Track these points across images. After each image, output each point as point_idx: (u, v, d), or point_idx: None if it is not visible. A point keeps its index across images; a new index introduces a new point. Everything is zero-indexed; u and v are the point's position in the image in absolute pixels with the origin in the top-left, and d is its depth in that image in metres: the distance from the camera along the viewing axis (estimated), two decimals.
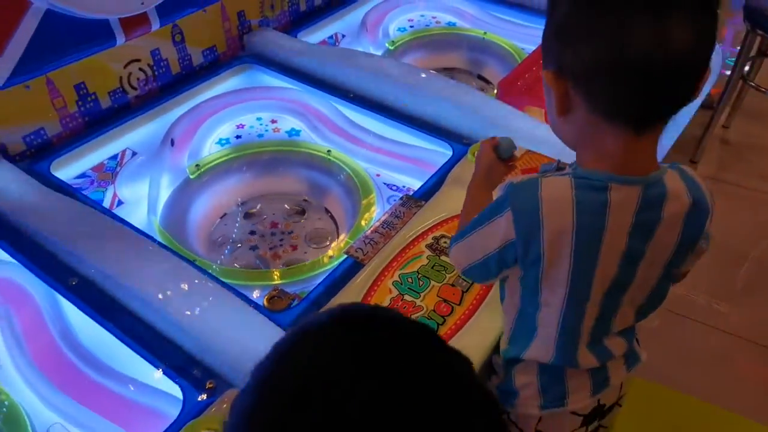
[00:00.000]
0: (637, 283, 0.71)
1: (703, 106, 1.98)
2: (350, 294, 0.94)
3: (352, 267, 1.00)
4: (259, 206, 1.38)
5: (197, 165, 1.35)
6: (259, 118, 1.50)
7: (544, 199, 0.64)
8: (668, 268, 0.71)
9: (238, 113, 1.48)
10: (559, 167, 0.80)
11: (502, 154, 0.87)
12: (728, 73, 2.06)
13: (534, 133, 1.26)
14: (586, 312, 0.71)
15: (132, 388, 0.88)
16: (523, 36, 1.83)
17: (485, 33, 1.87)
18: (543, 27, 0.66)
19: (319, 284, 0.98)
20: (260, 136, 1.46)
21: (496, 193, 0.74)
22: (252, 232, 1.31)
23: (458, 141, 1.30)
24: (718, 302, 1.73)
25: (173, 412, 0.82)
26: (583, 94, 0.62)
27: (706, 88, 1.57)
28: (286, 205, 1.38)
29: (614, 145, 0.64)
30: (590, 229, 0.65)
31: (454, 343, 0.88)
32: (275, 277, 1.11)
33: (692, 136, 2.15)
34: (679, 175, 0.68)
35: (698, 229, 0.69)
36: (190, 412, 0.80)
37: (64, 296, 0.98)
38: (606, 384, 0.78)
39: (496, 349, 0.89)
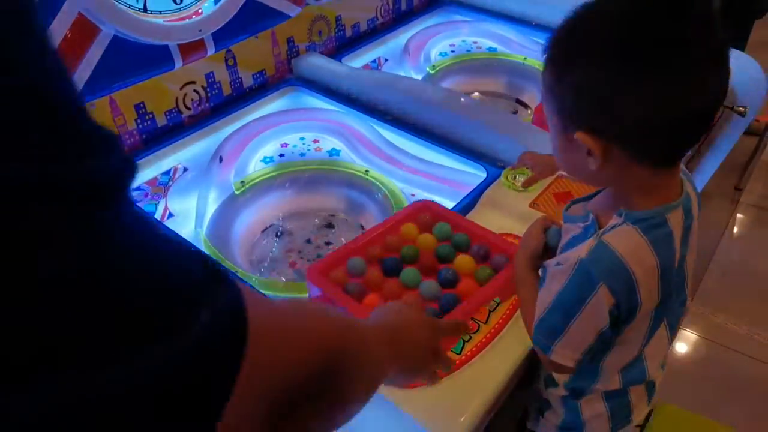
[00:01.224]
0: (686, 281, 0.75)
1: (750, 132, 1.95)
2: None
3: None
4: (295, 223, 1.43)
5: (242, 181, 1.42)
6: (302, 138, 1.57)
7: (624, 256, 0.65)
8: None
9: (283, 133, 1.55)
10: (598, 217, 0.73)
11: (551, 241, 0.83)
12: None
13: None
14: (667, 332, 0.76)
15: None
16: None
17: (525, 58, 1.90)
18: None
19: None
20: (302, 155, 1.53)
21: (558, 275, 0.70)
22: (289, 250, 1.37)
23: (492, 164, 1.33)
24: (759, 333, 1.68)
25: None
26: (631, 149, 0.62)
27: (752, 114, 1.56)
28: (315, 220, 1.43)
29: (660, 181, 0.66)
30: (668, 262, 0.67)
31: (479, 360, 0.91)
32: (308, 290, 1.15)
33: (737, 163, 2.11)
34: (685, 179, 0.72)
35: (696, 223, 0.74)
36: None
37: None
38: (655, 389, 0.83)
39: (529, 375, 0.90)
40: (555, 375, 0.84)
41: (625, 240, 0.65)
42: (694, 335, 1.67)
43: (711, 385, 1.60)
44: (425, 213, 1.12)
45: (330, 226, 1.43)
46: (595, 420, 0.82)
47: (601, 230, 0.68)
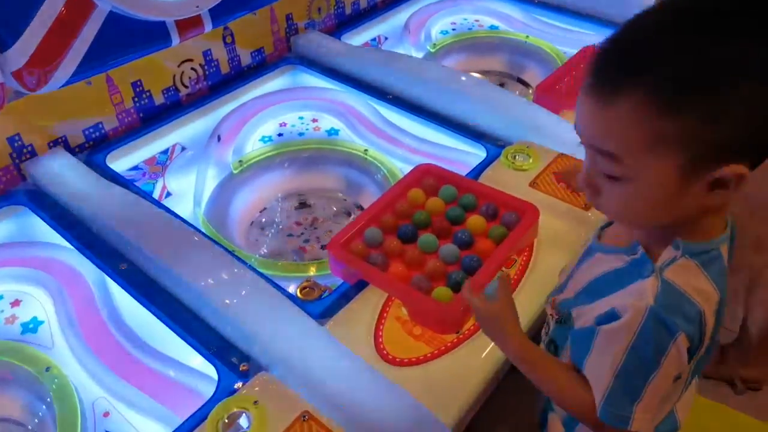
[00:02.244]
0: None
1: None
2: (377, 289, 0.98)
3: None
4: (283, 205, 1.43)
5: (240, 161, 1.41)
6: (301, 117, 1.55)
7: (694, 296, 0.58)
8: None
9: (282, 112, 1.54)
10: (647, 248, 0.63)
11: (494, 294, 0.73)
12: None
13: (568, 136, 1.26)
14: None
15: (172, 368, 0.94)
16: (564, 40, 1.82)
17: (527, 36, 1.87)
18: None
19: None
20: (301, 134, 1.51)
21: (619, 333, 0.59)
22: (297, 223, 1.36)
23: (492, 143, 1.32)
24: None
25: (209, 391, 0.87)
26: (755, 162, 0.55)
27: None
28: (333, 207, 1.43)
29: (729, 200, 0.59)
30: (724, 298, 0.62)
31: (477, 339, 0.90)
32: (309, 270, 1.15)
33: None
34: None
35: None
36: (224, 391, 0.85)
37: (114, 280, 1.05)
38: None
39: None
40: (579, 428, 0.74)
41: (689, 276, 0.58)
42: None
43: None
44: (429, 177, 1.15)
45: (328, 206, 1.43)
46: None
47: (658, 266, 0.59)
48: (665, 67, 0.51)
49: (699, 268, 0.59)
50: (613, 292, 0.62)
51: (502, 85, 1.83)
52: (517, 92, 1.80)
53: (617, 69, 0.54)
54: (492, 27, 1.98)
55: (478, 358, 0.89)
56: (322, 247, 1.32)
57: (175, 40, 1.34)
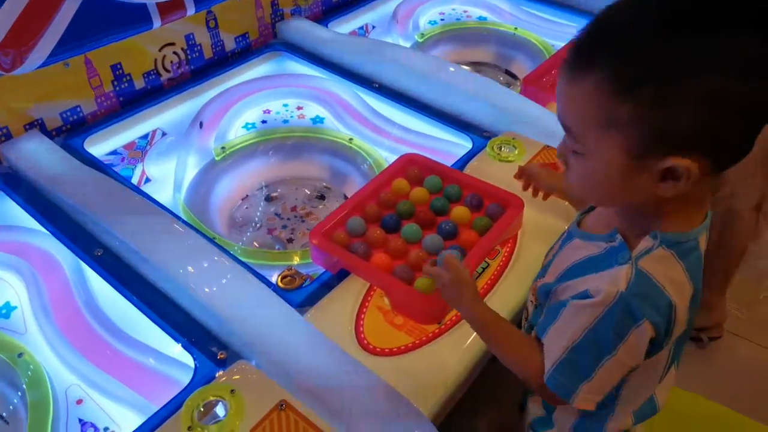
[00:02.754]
0: None
1: None
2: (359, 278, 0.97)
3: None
4: (279, 190, 1.41)
5: (223, 147, 1.39)
6: (285, 105, 1.53)
7: (667, 287, 0.59)
8: None
9: (266, 99, 1.51)
10: (625, 236, 0.64)
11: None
12: None
13: (555, 129, 1.25)
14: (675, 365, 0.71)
15: (147, 356, 0.92)
16: (553, 32, 1.81)
17: (516, 28, 1.86)
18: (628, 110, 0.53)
19: None
20: (285, 122, 1.49)
21: (586, 309, 0.61)
22: (276, 214, 1.35)
23: (478, 134, 1.31)
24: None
25: (185, 379, 0.85)
26: (717, 160, 0.55)
27: None
28: (306, 190, 1.41)
29: (706, 191, 0.61)
30: (698, 288, 0.62)
31: (458, 330, 0.90)
32: (291, 258, 1.13)
33: None
34: None
35: None
36: (201, 380, 0.83)
37: (90, 266, 1.03)
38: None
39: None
40: (557, 418, 0.77)
41: (666, 269, 0.59)
42: None
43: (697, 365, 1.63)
44: (414, 167, 1.13)
45: (314, 195, 1.41)
46: None
47: (635, 255, 0.60)
48: (629, 53, 0.53)
49: (675, 258, 0.60)
50: (590, 276, 0.63)
51: (490, 76, 1.82)
52: (506, 84, 1.79)
53: (588, 50, 0.56)
54: (480, 18, 1.97)
55: (459, 348, 0.88)
56: (290, 241, 1.31)
57: (157, 22, 1.31)
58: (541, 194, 0.95)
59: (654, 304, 0.58)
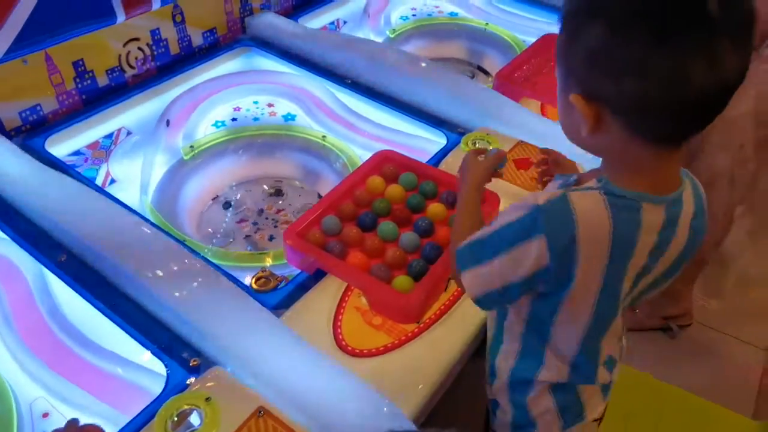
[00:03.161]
0: (635, 294, 0.70)
1: None
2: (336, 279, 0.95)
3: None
4: (239, 195, 1.37)
5: (191, 146, 1.35)
6: (255, 102, 1.50)
7: (580, 222, 0.60)
8: (665, 278, 0.70)
9: (235, 96, 1.48)
10: (580, 181, 0.71)
11: (498, 167, 0.84)
12: None
13: (528, 124, 1.26)
14: (608, 329, 0.71)
15: (117, 365, 0.89)
16: (524, 28, 1.82)
17: (487, 24, 1.86)
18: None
19: None
20: (256, 119, 1.46)
21: (514, 210, 0.65)
22: (241, 220, 1.31)
23: (453, 130, 1.30)
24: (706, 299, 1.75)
25: (157, 388, 0.82)
26: (623, 122, 0.58)
27: None
28: (264, 186, 1.38)
29: (651, 163, 0.62)
30: (623, 250, 0.62)
31: (437, 328, 0.89)
32: (265, 259, 1.11)
33: None
34: (690, 186, 0.67)
35: (697, 239, 0.68)
36: (174, 388, 0.80)
37: (53, 272, 0.98)
38: (611, 385, 0.79)
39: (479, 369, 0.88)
40: (497, 364, 0.79)
41: (587, 202, 0.61)
42: None
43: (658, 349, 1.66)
44: (389, 164, 1.12)
45: (282, 193, 1.38)
46: (544, 416, 0.78)
47: (573, 188, 0.64)
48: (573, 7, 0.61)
49: (605, 203, 0.61)
50: None
51: (472, 77, 1.81)
52: (477, 79, 1.79)
53: (566, 6, 0.62)
54: (452, 14, 1.97)
55: (439, 348, 0.87)
56: (271, 239, 1.28)
57: (121, 17, 1.26)
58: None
59: (557, 225, 0.61)
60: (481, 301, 0.69)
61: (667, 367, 1.52)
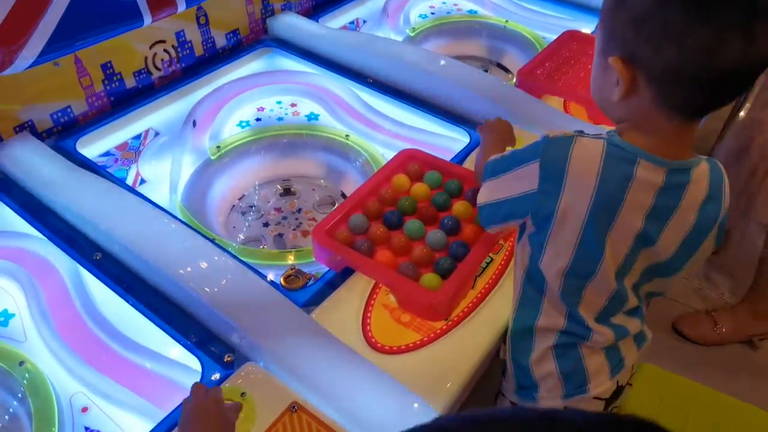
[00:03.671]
0: (642, 269, 0.72)
1: None
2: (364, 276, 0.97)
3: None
4: (263, 192, 1.39)
5: (218, 146, 1.37)
6: (279, 102, 1.52)
7: (573, 157, 0.66)
8: (673, 263, 0.72)
9: (259, 96, 1.50)
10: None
11: None
12: None
13: (551, 121, 1.26)
14: (589, 279, 0.72)
15: (152, 360, 0.91)
16: (545, 25, 1.81)
17: (507, 21, 1.86)
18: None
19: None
20: (280, 119, 1.48)
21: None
22: (277, 210, 1.34)
23: (475, 128, 1.30)
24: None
25: (191, 383, 0.84)
26: (655, 88, 0.62)
27: None
28: (316, 196, 1.40)
29: (669, 133, 0.66)
30: (609, 200, 0.66)
31: (465, 326, 0.90)
32: (291, 258, 1.13)
33: (711, 130, 2.13)
34: (708, 169, 0.69)
35: (708, 226, 0.70)
36: (209, 383, 0.82)
37: (89, 271, 1.01)
38: (621, 365, 0.80)
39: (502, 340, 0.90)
40: (509, 320, 0.84)
41: (586, 149, 0.67)
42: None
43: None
44: (413, 162, 1.13)
45: (309, 192, 1.40)
46: (546, 380, 0.80)
47: (584, 133, 0.70)
48: None
49: (603, 151, 0.66)
50: None
51: (486, 71, 1.82)
52: (498, 77, 1.79)
53: None
54: (471, 12, 1.97)
55: (468, 344, 0.88)
56: (295, 237, 1.30)
57: (147, 19, 1.28)
58: None
59: (553, 154, 0.68)
60: (482, 209, 0.79)
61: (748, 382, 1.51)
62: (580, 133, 0.70)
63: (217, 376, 0.84)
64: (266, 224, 1.32)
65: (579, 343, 0.77)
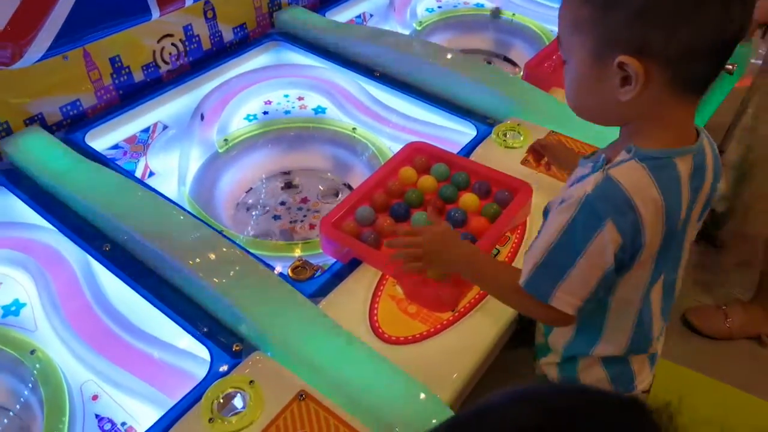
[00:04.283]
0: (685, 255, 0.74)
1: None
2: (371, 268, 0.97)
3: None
4: (271, 184, 1.40)
5: (225, 139, 1.38)
6: (286, 95, 1.52)
7: (631, 193, 0.63)
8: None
9: (266, 90, 1.50)
10: (609, 159, 0.70)
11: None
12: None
13: (559, 114, 1.26)
14: (662, 293, 0.73)
15: (161, 349, 0.92)
16: (552, 18, 1.80)
17: (513, 14, 1.86)
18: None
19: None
20: (287, 112, 1.48)
21: (561, 213, 0.66)
22: (284, 203, 1.34)
23: (482, 121, 1.31)
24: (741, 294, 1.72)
25: (200, 372, 0.85)
26: (672, 72, 0.61)
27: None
28: (320, 186, 1.40)
29: (681, 115, 0.65)
30: (674, 206, 0.66)
31: (471, 318, 0.90)
32: (298, 250, 1.13)
33: (719, 124, 2.11)
34: (708, 142, 0.70)
35: (710, 200, 0.72)
36: (218, 372, 0.83)
37: (99, 261, 1.02)
38: (657, 357, 0.81)
39: (518, 335, 0.90)
40: (551, 341, 0.81)
41: (633, 177, 0.63)
42: None
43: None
44: (420, 155, 1.13)
45: (316, 185, 1.40)
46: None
47: (608, 165, 0.65)
48: None
49: (646, 170, 0.63)
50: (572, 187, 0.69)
51: (489, 63, 1.81)
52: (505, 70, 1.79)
53: None
54: (477, 5, 1.96)
55: (474, 335, 0.89)
56: (300, 229, 1.30)
57: (155, 13, 1.29)
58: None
59: (617, 206, 0.63)
60: (583, 308, 0.68)
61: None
62: (601, 169, 0.66)
63: (225, 367, 0.84)
64: (274, 217, 1.33)
65: (632, 354, 0.78)
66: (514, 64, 1.83)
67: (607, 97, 0.64)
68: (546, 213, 0.75)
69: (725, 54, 0.61)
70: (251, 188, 1.39)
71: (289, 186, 1.41)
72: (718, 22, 0.58)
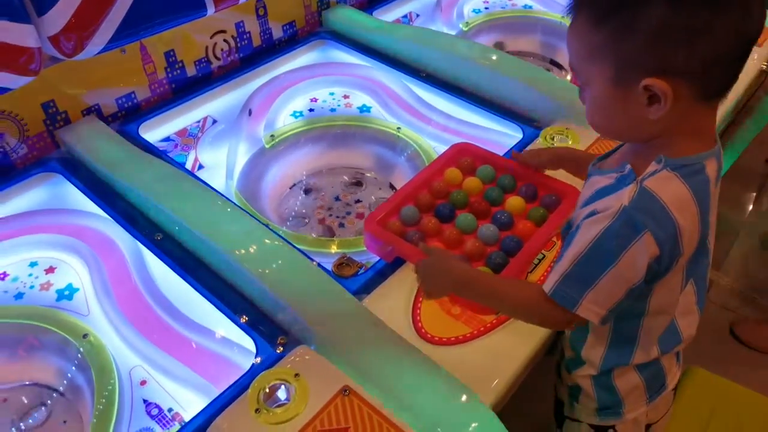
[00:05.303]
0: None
1: None
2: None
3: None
4: (314, 181, 1.41)
5: (272, 135, 1.40)
6: (332, 93, 1.53)
7: (668, 203, 0.63)
8: None
9: (313, 87, 1.52)
10: (636, 169, 0.69)
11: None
12: None
13: None
14: (695, 288, 0.74)
15: (208, 338, 0.94)
16: None
17: (563, 17, 1.83)
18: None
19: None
20: (332, 110, 1.50)
21: (596, 223, 0.65)
22: (327, 199, 1.36)
23: (529, 124, 1.30)
24: None
25: (244, 363, 0.87)
26: (698, 84, 0.61)
27: None
28: (345, 177, 1.41)
29: (708, 121, 0.66)
30: (705, 210, 0.66)
31: (516, 321, 0.90)
32: (340, 246, 1.14)
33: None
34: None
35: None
36: (263, 363, 0.85)
37: (151, 250, 1.05)
38: (681, 353, 0.83)
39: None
40: (586, 354, 0.80)
41: (668, 187, 0.64)
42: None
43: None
44: (466, 156, 1.13)
45: (359, 183, 1.41)
46: (632, 393, 0.80)
47: (640, 177, 0.65)
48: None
49: (679, 178, 0.64)
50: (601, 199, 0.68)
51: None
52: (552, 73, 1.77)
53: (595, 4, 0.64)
54: (526, 6, 1.94)
55: (517, 338, 0.88)
56: (341, 225, 1.31)
57: (211, 9, 1.32)
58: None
59: (655, 217, 0.62)
60: (606, 317, 0.67)
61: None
62: (632, 181, 0.65)
63: (269, 359, 0.86)
64: (317, 212, 1.34)
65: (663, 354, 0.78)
66: (560, 67, 1.81)
67: (635, 117, 0.64)
68: (569, 224, 0.74)
69: (748, 51, 0.61)
70: (294, 185, 1.41)
71: (334, 183, 1.42)
72: (739, 25, 0.58)
